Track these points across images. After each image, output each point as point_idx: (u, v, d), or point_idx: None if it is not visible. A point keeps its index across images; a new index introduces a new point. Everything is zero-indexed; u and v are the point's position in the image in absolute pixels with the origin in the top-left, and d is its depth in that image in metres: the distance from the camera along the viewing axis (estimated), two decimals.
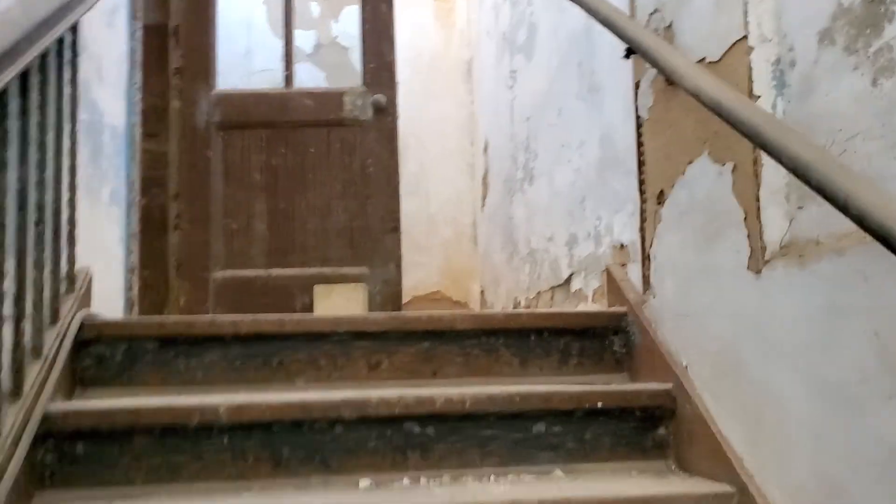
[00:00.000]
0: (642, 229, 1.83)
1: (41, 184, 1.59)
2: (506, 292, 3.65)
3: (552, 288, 2.85)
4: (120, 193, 2.30)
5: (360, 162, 3.42)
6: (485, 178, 4.18)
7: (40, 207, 1.58)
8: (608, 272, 2.01)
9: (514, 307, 3.47)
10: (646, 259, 1.81)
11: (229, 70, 4.10)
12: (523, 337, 1.84)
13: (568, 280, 2.64)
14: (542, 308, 3.01)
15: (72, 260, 1.79)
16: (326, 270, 3.38)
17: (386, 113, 3.42)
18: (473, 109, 4.52)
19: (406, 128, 3.96)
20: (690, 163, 1.59)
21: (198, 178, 3.39)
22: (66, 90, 1.77)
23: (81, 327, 1.74)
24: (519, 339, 1.84)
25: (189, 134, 3.40)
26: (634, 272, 1.99)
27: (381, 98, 3.40)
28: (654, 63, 1.63)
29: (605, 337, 1.86)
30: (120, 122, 2.40)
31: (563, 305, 2.70)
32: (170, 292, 3.42)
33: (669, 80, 1.62)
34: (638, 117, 1.85)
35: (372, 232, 3.42)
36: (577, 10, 2.18)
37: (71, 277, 1.78)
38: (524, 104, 3.32)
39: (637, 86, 1.85)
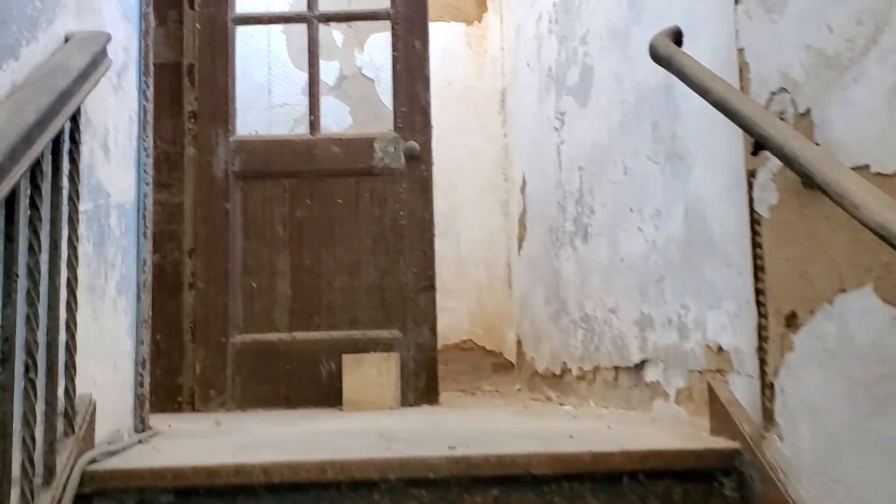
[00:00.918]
0: (761, 349, 1.51)
1: (32, 319, 1.28)
2: (550, 352, 3.33)
3: (616, 368, 2.53)
4: (129, 278, 2.00)
5: (391, 214, 3.11)
6: (521, 218, 3.87)
7: (30, 352, 1.27)
8: (710, 389, 1.69)
9: (563, 373, 3.15)
10: (767, 387, 1.49)
11: (247, 106, 3.80)
12: (614, 482, 1.52)
13: (639, 366, 2.32)
14: (599, 384, 2.69)
15: (71, 392, 1.48)
16: (355, 334, 3.07)
17: (420, 161, 3.10)
18: (507, 143, 4.20)
19: (434, 163, 3.66)
20: (842, 292, 1.27)
21: (215, 233, 3.08)
22: (65, 187, 1.46)
23: (82, 480, 1.43)
24: (609, 484, 1.51)
25: (205, 184, 3.09)
26: (743, 389, 1.67)
27: (414, 146, 3.08)
28: (792, 164, 1.31)
29: (713, 479, 1.54)
30: (129, 198, 2.09)
31: (632, 393, 2.38)
32: (184, 358, 3.11)
33: (808, 183, 1.30)
34: (754, 212, 1.53)
35: (405, 291, 3.10)
36: (649, 63, 1.87)
37: (69, 416, 1.47)
38: (576, 152, 2.99)
39: (752, 174, 1.53)
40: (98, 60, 1.59)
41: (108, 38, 1.68)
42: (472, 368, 4.13)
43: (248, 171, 3.10)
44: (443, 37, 4.20)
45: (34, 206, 1.28)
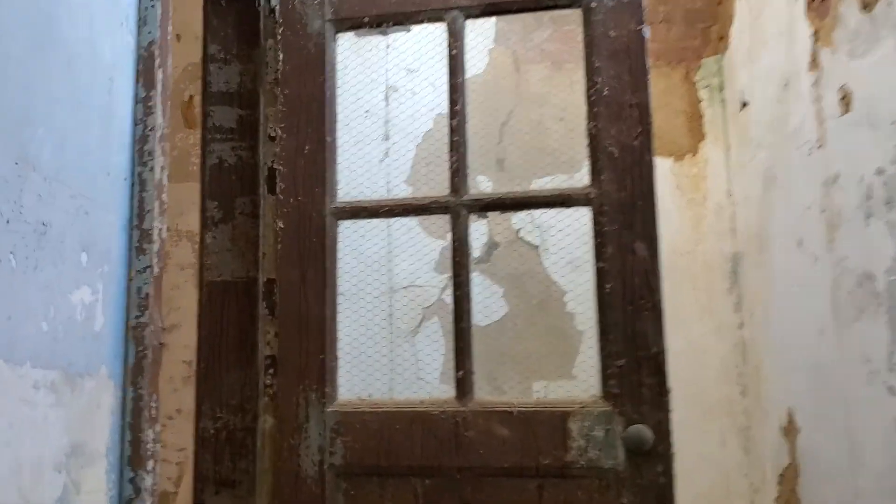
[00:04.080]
0: None
1: None
2: None
3: None
4: None
5: None
6: (787, 475, 2.43)
7: None
8: None
9: None
10: None
11: (354, 296, 2.61)
12: None
13: None
14: None
15: None
16: None
17: (653, 457, 1.76)
18: (745, 337, 2.80)
19: None
20: None
21: None
22: None
23: None
24: None
25: (289, 483, 1.87)
26: None
27: (643, 433, 1.74)
28: None
29: None
30: None
31: None
32: None
33: None
34: None
35: None
36: None
37: None
38: None
39: None
40: None
41: None
42: None
43: (354, 466, 1.85)
44: None
45: None
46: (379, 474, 1.85)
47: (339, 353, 1.94)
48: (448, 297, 2.78)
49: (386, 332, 2.61)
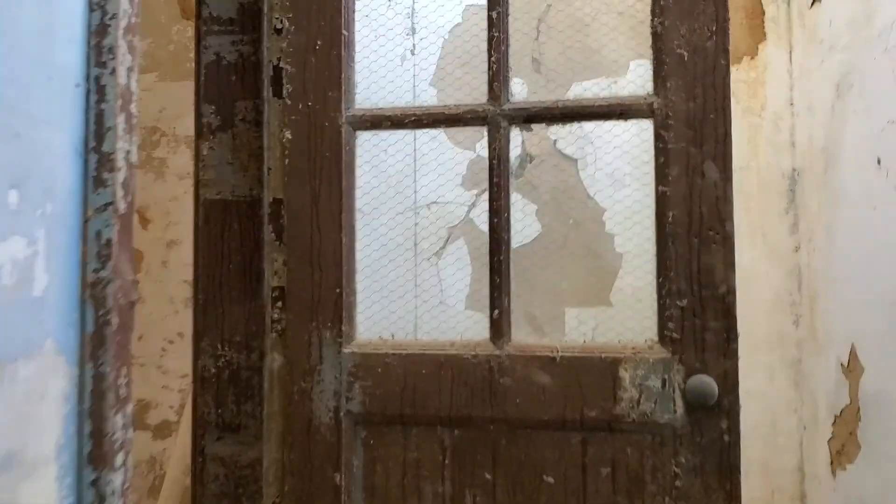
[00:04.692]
0: None
1: None
2: None
3: None
4: None
5: None
6: (845, 416, 2.22)
7: None
8: None
9: None
10: None
11: (377, 210, 2.36)
12: None
13: None
14: None
15: None
16: None
17: (717, 411, 1.53)
18: (801, 263, 2.53)
19: None
20: None
21: None
22: None
23: None
24: None
25: (300, 430, 1.66)
26: None
27: (706, 383, 1.51)
28: None
29: None
30: None
31: None
32: None
33: None
34: None
35: None
36: None
37: None
38: None
39: None
40: None
41: None
42: None
43: (374, 414, 1.64)
44: None
45: None
46: (403, 423, 1.63)
47: (358, 286, 1.70)
48: (476, 216, 2.53)
49: (410, 253, 2.35)
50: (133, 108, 0.87)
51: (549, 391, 1.57)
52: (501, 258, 1.60)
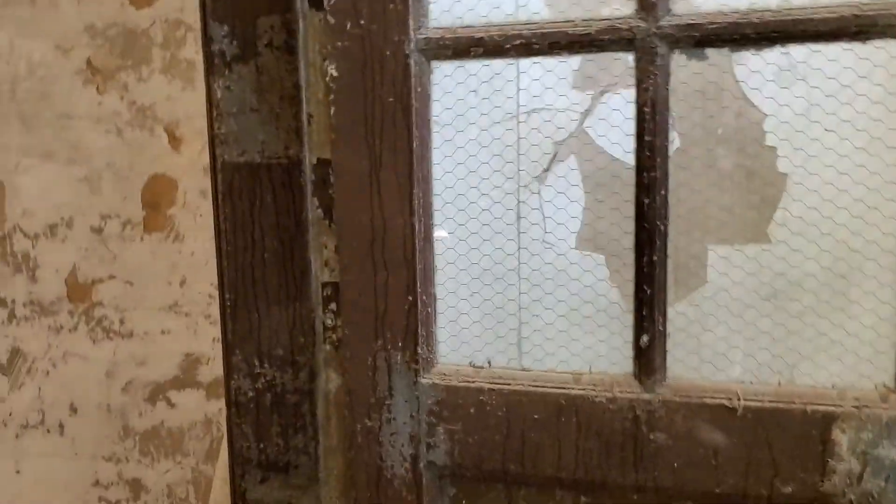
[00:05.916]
0: None
1: None
2: None
3: None
4: None
5: None
6: None
7: None
8: None
9: None
10: None
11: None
12: None
13: None
14: None
15: None
16: None
17: None
18: None
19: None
20: None
21: None
22: None
23: None
24: None
25: (368, 482, 1.22)
26: None
27: None
28: None
29: None
30: None
31: None
32: None
33: None
34: None
35: None
36: None
37: None
38: None
39: None
40: None
41: None
42: None
43: (467, 466, 1.18)
44: None
45: None
46: (506, 482, 1.17)
47: (437, 287, 1.19)
48: (592, 126, 1.94)
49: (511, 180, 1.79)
50: None
51: (724, 455, 1.07)
52: (656, 258, 1.06)
